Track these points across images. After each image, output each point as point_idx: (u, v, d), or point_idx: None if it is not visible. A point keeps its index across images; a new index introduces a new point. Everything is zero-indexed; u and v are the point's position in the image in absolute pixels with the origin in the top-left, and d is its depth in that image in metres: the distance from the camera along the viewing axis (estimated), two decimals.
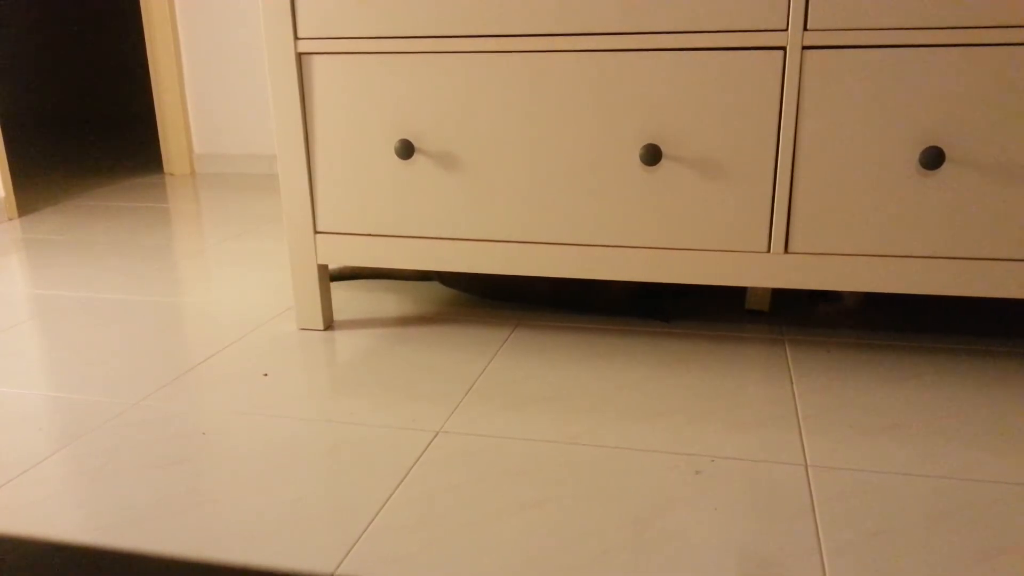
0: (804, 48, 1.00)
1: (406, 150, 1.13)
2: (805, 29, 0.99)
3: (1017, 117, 0.97)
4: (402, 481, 0.85)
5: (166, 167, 2.86)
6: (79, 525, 0.78)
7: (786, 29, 1.00)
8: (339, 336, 1.26)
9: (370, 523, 0.78)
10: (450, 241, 1.17)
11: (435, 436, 0.94)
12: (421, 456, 0.90)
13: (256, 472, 0.87)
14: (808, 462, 0.87)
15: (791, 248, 1.07)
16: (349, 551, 0.74)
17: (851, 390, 1.04)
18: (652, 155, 1.05)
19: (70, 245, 1.85)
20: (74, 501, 0.82)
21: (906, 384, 1.05)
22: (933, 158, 0.98)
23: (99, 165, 3.06)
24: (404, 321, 1.32)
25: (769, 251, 1.08)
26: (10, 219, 2.13)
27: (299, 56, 1.15)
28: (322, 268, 1.26)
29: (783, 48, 1.01)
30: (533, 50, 1.07)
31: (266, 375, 1.12)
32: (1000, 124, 0.98)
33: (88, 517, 0.80)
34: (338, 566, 0.72)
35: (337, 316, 1.34)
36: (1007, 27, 0.95)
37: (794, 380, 1.07)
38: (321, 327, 1.28)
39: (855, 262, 1.06)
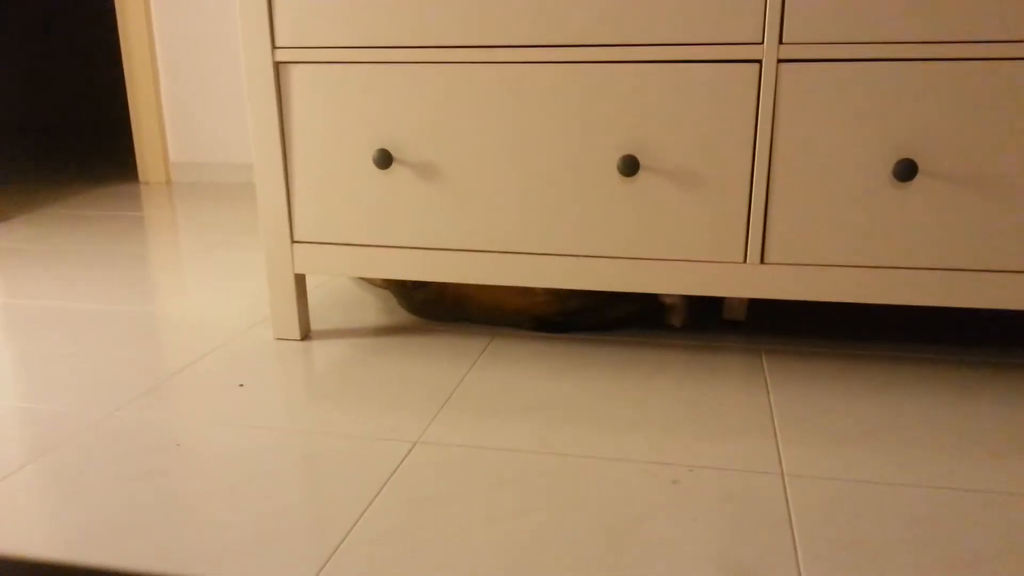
0: (779, 61, 1.01)
1: (384, 160, 1.13)
2: (780, 43, 1.01)
3: (987, 130, 0.99)
4: (379, 492, 0.85)
5: (141, 175, 2.84)
6: (49, 540, 0.77)
7: (762, 42, 1.01)
8: (316, 346, 1.25)
9: (347, 535, 0.77)
10: (428, 251, 1.17)
11: (413, 446, 0.94)
12: (399, 467, 0.90)
13: (231, 484, 0.87)
14: (785, 471, 0.88)
15: (767, 259, 1.08)
16: (326, 563, 0.73)
17: (827, 399, 1.05)
18: (630, 166, 1.06)
19: (43, 254, 1.83)
20: (44, 515, 0.81)
21: (882, 393, 1.06)
22: (906, 170, 1.00)
23: (73, 173, 3.03)
24: (382, 331, 1.31)
25: (745, 262, 1.09)
26: None
27: (277, 65, 1.15)
28: (299, 277, 1.25)
29: (759, 61, 1.02)
30: (512, 61, 1.08)
31: (242, 385, 1.11)
32: (971, 137, 0.99)
33: (59, 531, 0.78)
34: None
35: (314, 326, 1.33)
36: (977, 42, 0.96)
37: (770, 389, 1.08)
38: (298, 337, 1.27)
39: (830, 273, 1.07)
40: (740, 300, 1.32)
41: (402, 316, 1.38)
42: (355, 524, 0.79)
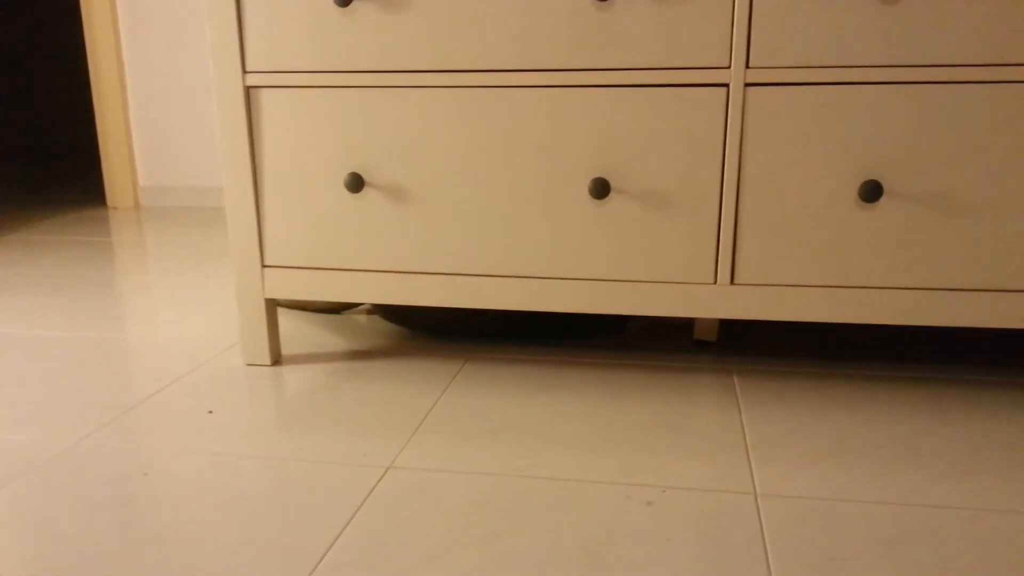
0: (747, 85, 1.03)
1: (356, 183, 1.13)
2: (747, 67, 1.02)
3: (951, 151, 1.01)
4: (352, 518, 0.84)
5: (109, 200, 2.81)
6: (11, 572, 0.75)
7: (729, 67, 1.03)
8: (287, 371, 1.24)
9: (320, 561, 0.76)
10: (400, 274, 1.17)
11: (386, 471, 0.93)
12: (371, 492, 0.89)
13: (200, 512, 0.85)
14: (757, 491, 0.88)
15: (737, 280, 1.09)
16: None
17: (799, 418, 1.06)
18: (600, 188, 1.07)
19: (8, 280, 1.80)
20: (8, 547, 0.79)
21: (853, 412, 1.07)
22: (871, 191, 1.02)
23: (39, 198, 2.99)
24: (354, 355, 1.30)
25: (716, 283, 1.10)
26: None
27: (247, 89, 1.15)
28: (269, 303, 1.24)
29: (726, 85, 1.03)
30: (482, 85, 1.08)
31: (211, 412, 1.10)
32: (935, 158, 1.01)
33: (23, 564, 0.76)
34: None
35: (285, 350, 1.32)
36: (940, 66, 0.99)
37: (742, 409, 1.08)
38: (268, 362, 1.26)
39: (799, 293, 1.08)
40: (711, 321, 1.33)
41: (374, 340, 1.37)
42: (328, 550, 0.78)
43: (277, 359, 1.28)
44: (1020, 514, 0.83)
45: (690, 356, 1.28)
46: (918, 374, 1.20)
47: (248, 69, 1.14)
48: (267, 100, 1.14)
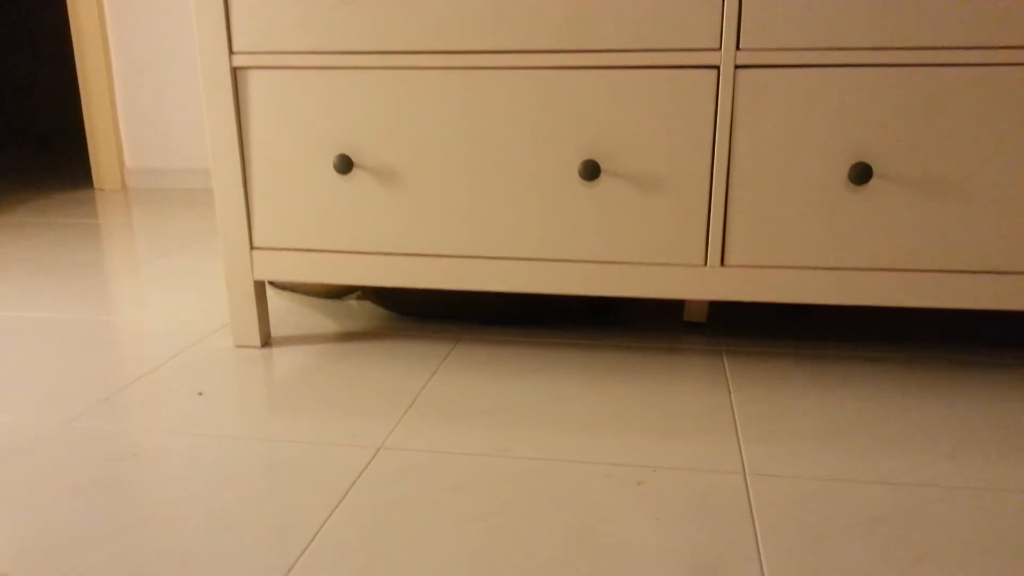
0: (737, 67, 1.03)
1: (345, 165, 1.13)
2: (738, 49, 1.02)
3: (940, 133, 1.01)
4: (343, 499, 0.84)
5: (96, 182, 2.78)
6: (2, 555, 0.75)
7: (719, 48, 1.02)
8: (277, 353, 1.23)
9: (310, 542, 0.76)
10: (390, 256, 1.17)
11: (376, 452, 0.93)
12: (362, 473, 0.89)
13: (190, 494, 0.85)
14: (746, 470, 0.89)
15: (727, 261, 1.09)
16: (288, 572, 0.72)
17: (788, 399, 1.06)
18: (591, 170, 1.07)
19: None
20: None
21: (842, 392, 1.08)
22: (861, 173, 1.02)
23: (24, 180, 2.96)
24: (344, 337, 1.30)
25: (706, 264, 1.10)
26: None
27: (234, 70, 1.14)
28: (259, 284, 1.24)
29: (716, 67, 1.03)
30: (472, 66, 1.08)
31: (201, 394, 1.09)
32: (925, 140, 1.02)
33: (11, 545, 0.76)
34: None
35: (274, 332, 1.32)
36: (930, 48, 0.99)
37: (732, 390, 1.09)
38: (258, 344, 1.25)
39: (789, 274, 1.08)
40: (701, 302, 1.34)
41: (364, 322, 1.37)
42: (318, 531, 0.78)
43: (267, 341, 1.28)
44: (1009, 493, 0.84)
45: (680, 337, 1.29)
46: (907, 355, 1.20)
47: (235, 50, 1.13)
48: (254, 81, 1.14)
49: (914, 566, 0.72)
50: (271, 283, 1.58)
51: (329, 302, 1.48)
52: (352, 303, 1.47)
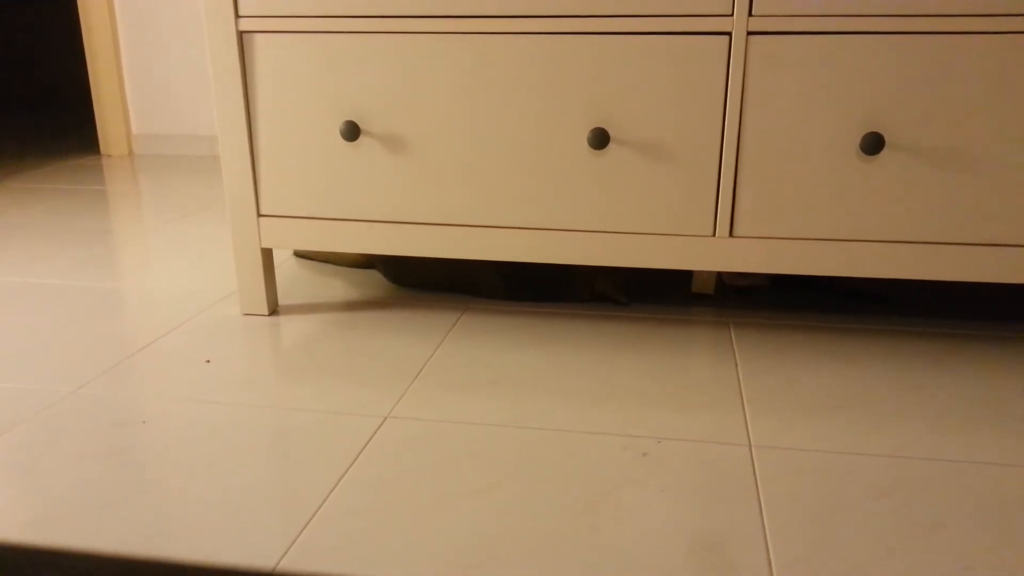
0: (749, 34, 1.01)
1: (351, 132, 1.12)
2: (750, 15, 1.00)
3: (953, 103, 1.00)
4: (350, 467, 0.84)
5: (103, 148, 2.78)
6: (10, 521, 0.76)
7: (731, 14, 1.01)
8: (284, 321, 1.24)
9: (318, 509, 0.77)
10: (396, 224, 1.16)
11: (383, 422, 0.94)
12: (369, 442, 0.89)
13: (198, 461, 0.86)
14: (752, 442, 0.89)
15: (736, 232, 1.09)
16: (296, 538, 0.73)
17: (794, 372, 1.06)
18: (599, 139, 1.06)
19: (1, 229, 1.79)
20: (5, 495, 0.80)
21: (848, 365, 1.08)
22: (873, 144, 1.00)
23: (31, 146, 2.96)
24: (351, 306, 1.30)
25: (715, 235, 1.09)
26: None
27: (240, 34, 1.12)
28: (266, 252, 1.24)
29: (728, 33, 1.02)
30: (480, 32, 1.06)
31: (209, 361, 1.10)
32: (937, 110, 1.00)
33: (20, 512, 0.77)
34: (283, 555, 0.71)
35: (282, 300, 1.32)
36: (944, 16, 0.97)
37: (739, 362, 1.09)
38: (266, 312, 1.25)
39: (798, 246, 1.07)
40: (709, 274, 1.33)
41: (371, 291, 1.37)
42: (326, 499, 0.79)
43: (274, 309, 1.28)
44: (1016, 468, 0.84)
45: (687, 309, 1.28)
46: (915, 328, 1.20)
47: (241, 13, 1.11)
48: (261, 45, 1.12)
49: (921, 540, 0.72)
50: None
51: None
52: (360, 272, 1.47)
